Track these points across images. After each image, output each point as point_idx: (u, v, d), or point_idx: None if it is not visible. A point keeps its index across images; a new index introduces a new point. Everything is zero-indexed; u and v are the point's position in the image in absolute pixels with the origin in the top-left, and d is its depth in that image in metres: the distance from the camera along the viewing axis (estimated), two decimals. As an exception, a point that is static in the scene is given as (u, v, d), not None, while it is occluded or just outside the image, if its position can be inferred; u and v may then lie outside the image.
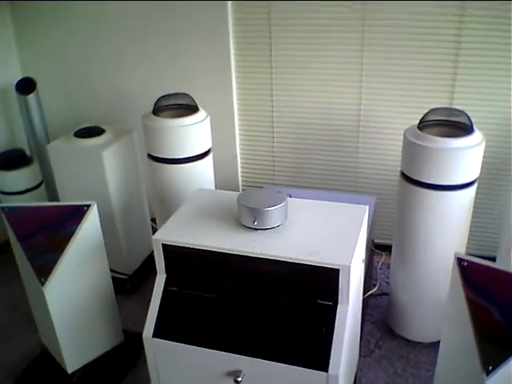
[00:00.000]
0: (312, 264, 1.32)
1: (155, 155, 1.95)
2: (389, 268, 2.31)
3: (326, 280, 1.33)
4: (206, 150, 1.99)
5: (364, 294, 1.86)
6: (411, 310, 1.93)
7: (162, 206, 2.02)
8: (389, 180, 2.34)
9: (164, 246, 1.44)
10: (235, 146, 2.48)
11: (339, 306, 1.34)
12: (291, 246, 1.37)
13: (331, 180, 2.45)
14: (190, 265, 1.46)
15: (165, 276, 1.48)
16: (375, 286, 2.24)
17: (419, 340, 1.98)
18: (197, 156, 1.94)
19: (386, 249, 2.34)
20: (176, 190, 1.95)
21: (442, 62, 2.08)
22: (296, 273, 1.35)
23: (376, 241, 2.37)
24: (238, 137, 2.49)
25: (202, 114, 1.97)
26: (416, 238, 1.80)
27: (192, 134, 1.91)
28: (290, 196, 1.72)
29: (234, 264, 1.41)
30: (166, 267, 1.48)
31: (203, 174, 1.99)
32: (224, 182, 2.48)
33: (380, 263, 2.38)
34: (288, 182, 2.52)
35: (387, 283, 2.27)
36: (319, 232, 1.44)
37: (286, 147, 2.44)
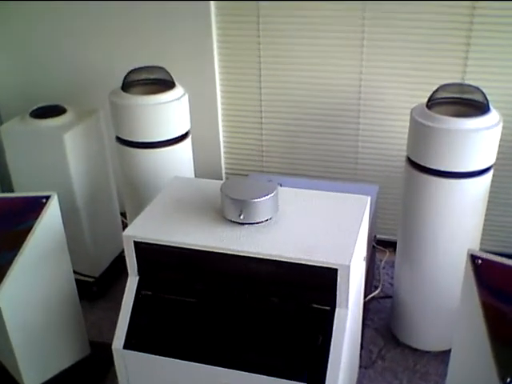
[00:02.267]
0: (306, 263, 1.32)
1: (125, 138, 1.95)
2: (393, 267, 2.31)
3: (322, 281, 1.34)
4: (184, 132, 1.98)
5: (365, 296, 1.86)
6: (418, 315, 1.95)
7: (134, 198, 2.02)
8: (393, 167, 2.35)
9: (136, 243, 1.45)
10: (217, 127, 2.48)
11: (337, 311, 1.35)
12: (282, 242, 1.38)
13: (328, 167, 2.45)
14: (167, 265, 1.47)
15: (137, 278, 1.49)
16: (377, 287, 2.26)
17: (427, 349, 1.99)
18: (173, 139, 1.94)
19: (390, 245, 2.35)
20: (149, 178, 1.95)
21: (454, 30, 2.08)
22: (288, 273, 1.36)
23: (378, 236, 2.38)
24: (220, 117, 2.48)
25: (179, 90, 1.96)
26: (424, 233, 1.81)
27: (168, 113, 1.90)
28: (281, 185, 1.72)
29: (218, 264, 1.41)
30: (138, 268, 1.48)
31: (181, 159, 1.99)
32: (205, 169, 2.48)
33: (383, 262, 2.38)
34: (278, 170, 2.52)
35: (391, 284, 2.29)
36: (314, 226, 1.45)
37: (276, 129, 2.45)
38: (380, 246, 2.35)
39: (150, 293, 1.47)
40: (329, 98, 2.31)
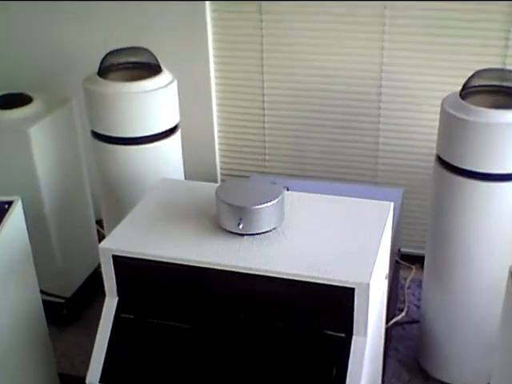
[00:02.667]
0: (318, 282, 1.33)
1: (102, 133, 1.95)
2: (420, 286, 2.30)
3: (336, 303, 1.34)
4: (173, 125, 1.99)
5: (387, 321, 1.87)
6: (450, 344, 1.95)
7: (113, 203, 2.02)
8: (420, 167, 2.35)
9: (115, 257, 1.45)
10: (212, 120, 2.48)
11: (354, 339, 1.35)
12: (289, 257, 1.39)
13: (343, 168, 2.45)
14: (152, 284, 1.47)
15: (116, 299, 1.49)
16: (402, 310, 2.25)
17: None
18: (160, 134, 1.95)
19: (417, 261, 2.35)
20: (131, 180, 1.95)
21: (493, 5, 2.07)
22: (296, 294, 1.36)
23: (403, 250, 2.38)
24: (215, 108, 2.48)
25: (166, 76, 1.97)
26: (457, 246, 1.82)
27: (153, 103, 1.91)
28: (288, 189, 1.72)
29: (212, 282, 1.42)
30: (117, 287, 1.48)
31: (168, 158, 2.00)
32: (197, 169, 2.47)
33: (408, 280, 2.38)
34: (284, 171, 2.52)
35: (418, 307, 2.28)
36: (327, 238, 1.45)
37: (282, 122, 2.44)
38: (405, 262, 2.35)
39: (131, 316, 1.47)
40: (344, 90, 2.32)
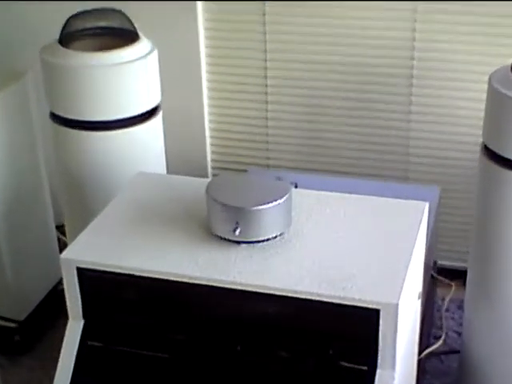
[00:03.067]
0: (333, 301, 1.32)
1: (64, 115, 1.95)
2: (461, 308, 2.29)
3: (356, 328, 1.34)
4: (152, 107, 2.00)
5: (420, 351, 1.86)
6: (500, 380, 1.93)
7: (77, 204, 2.02)
8: (461, 160, 2.36)
9: (80, 271, 1.45)
10: (201, 101, 2.49)
11: (379, 373, 1.34)
12: (298, 270, 1.38)
13: (364, 160, 2.46)
14: (126, 304, 1.46)
15: (82, 323, 1.48)
16: (439, 338, 2.25)
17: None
18: (136, 117, 1.95)
19: (457, 276, 2.36)
20: (101, 174, 1.95)
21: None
22: (306, 316, 1.36)
23: (440, 262, 2.38)
24: (205, 86, 2.49)
25: (144, 45, 1.97)
26: (509, 257, 1.80)
27: (128, 78, 1.91)
28: (296, 186, 1.72)
29: (201, 303, 1.42)
30: (83, 308, 1.48)
31: (147, 147, 2.01)
32: (182, 161, 2.48)
33: (447, 300, 2.38)
34: (291, 164, 2.53)
35: (458, 334, 2.28)
36: (346, 247, 1.45)
37: (289, 105, 2.45)
38: (442, 277, 2.35)
39: (100, 344, 1.47)
40: (366, 65, 2.33)
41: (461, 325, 2.25)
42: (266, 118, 2.50)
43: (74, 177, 1.99)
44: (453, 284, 2.37)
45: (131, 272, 1.41)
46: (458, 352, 2.16)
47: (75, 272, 1.44)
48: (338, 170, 2.48)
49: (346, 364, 1.36)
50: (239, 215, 1.42)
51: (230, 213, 1.42)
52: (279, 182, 1.51)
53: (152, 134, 2.01)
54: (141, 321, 1.46)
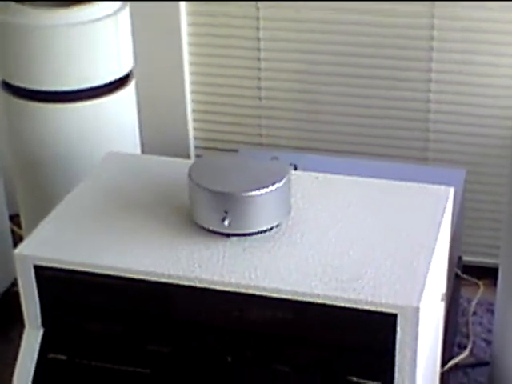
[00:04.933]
0: (341, 304, 1.31)
1: (19, 85, 1.97)
2: (490, 312, 2.30)
3: (368, 336, 1.33)
4: (124, 74, 2.00)
5: (443, 363, 1.85)
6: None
7: (35, 190, 2.03)
8: (490, 137, 2.37)
9: (39, 269, 1.43)
10: (182, 68, 2.50)
11: None
12: (298, 267, 1.38)
13: (374, 138, 2.47)
14: (93, 309, 1.45)
15: (41, 332, 1.48)
16: (465, 347, 2.25)
17: None
18: (105, 87, 1.97)
19: (486, 274, 2.37)
20: (63, 155, 1.96)
21: None
22: (308, 322, 1.35)
23: (466, 259, 2.38)
24: (186, 50, 2.50)
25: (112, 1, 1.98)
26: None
27: (94, 40, 1.92)
28: (296, 167, 1.75)
29: (184, 307, 1.41)
30: (43, 313, 1.47)
31: (118, 122, 2.02)
32: (160, 139, 2.51)
33: (474, 303, 2.39)
34: (288, 143, 2.54)
35: (487, 342, 2.28)
36: (356, 240, 1.44)
37: (286, 72, 2.47)
38: (468, 276, 2.35)
39: (63, 357, 1.46)
40: (376, 34, 2.34)
41: (490, 331, 2.26)
42: (259, 88, 2.51)
43: (31, 158, 2.00)
44: (480, 283, 2.38)
45: (100, 271, 1.40)
46: (487, 364, 2.17)
47: (32, 271, 1.43)
48: (344, 150, 2.49)
49: (356, 379, 1.36)
50: (228, 203, 1.41)
51: (217, 200, 1.41)
52: (275, 163, 1.51)
53: (123, 106, 2.02)
54: (113, 329, 1.46)
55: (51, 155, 1.97)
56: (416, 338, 1.30)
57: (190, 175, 1.46)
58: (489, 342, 2.26)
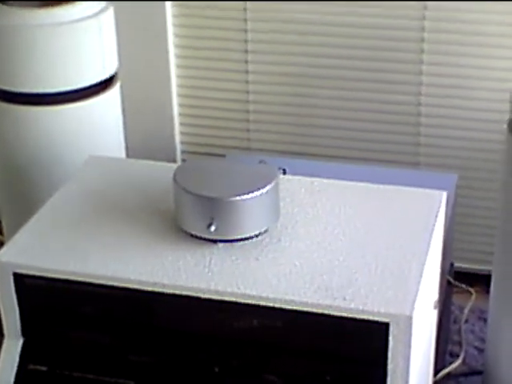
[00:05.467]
0: (331, 313, 1.30)
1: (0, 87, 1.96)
2: (483, 320, 2.31)
3: (360, 346, 1.33)
4: (108, 76, 2.01)
5: (436, 372, 1.85)
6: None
7: (16, 194, 2.03)
8: (482, 141, 2.37)
9: (18, 277, 1.43)
10: (168, 70, 2.51)
11: None
12: (288, 275, 1.37)
13: (365, 142, 2.47)
14: (76, 318, 1.45)
15: (21, 342, 1.47)
16: (457, 356, 2.25)
17: None
18: (88, 89, 1.96)
19: (478, 281, 2.37)
20: (44, 159, 1.95)
21: None
22: (298, 332, 1.35)
23: (458, 265, 2.38)
24: (172, 52, 2.50)
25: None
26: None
27: (77, 41, 1.92)
28: (285, 172, 1.74)
29: (169, 316, 1.41)
30: (22, 323, 1.46)
31: (101, 125, 2.01)
32: (145, 143, 2.50)
33: (466, 310, 2.39)
34: (277, 147, 2.54)
35: (480, 351, 2.28)
36: (347, 246, 1.44)
37: (273, 75, 2.47)
38: (460, 283, 2.35)
39: (44, 368, 1.45)
40: (372, 24, 2.32)
41: (483, 340, 2.26)
42: (247, 93, 2.51)
43: (13, 162, 2.00)
44: (473, 291, 2.38)
45: (82, 279, 1.39)
46: (480, 373, 2.16)
47: (12, 278, 1.42)
48: (334, 155, 2.48)
49: None
50: (214, 208, 1.40)
51: (204, 205, 1.41)
52: (263, 167, 1.51)
53: (108, 109, 2.02)
54: (96, 339, 1.45)
55: (33, 159, 1.97)
56: (409, 347, 1.29)
57: (174, 179, 1.45)
58: (481, 351, 2.27)
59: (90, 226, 1.50)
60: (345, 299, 1.30)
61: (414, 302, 1.29)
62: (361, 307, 1.29)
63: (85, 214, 1.54)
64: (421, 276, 1.35)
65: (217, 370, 1.39)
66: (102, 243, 1.46)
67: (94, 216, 1.53)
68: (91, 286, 1.39)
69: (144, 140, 2.50)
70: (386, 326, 1.28)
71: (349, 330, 1.31)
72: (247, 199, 1.40)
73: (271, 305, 1.32)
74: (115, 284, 1.37)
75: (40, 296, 1.44)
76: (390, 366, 1.31)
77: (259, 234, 1.44)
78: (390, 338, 1.29)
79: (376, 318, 1.28)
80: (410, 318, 1.27)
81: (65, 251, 1.44)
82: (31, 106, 1.93)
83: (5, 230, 2.13)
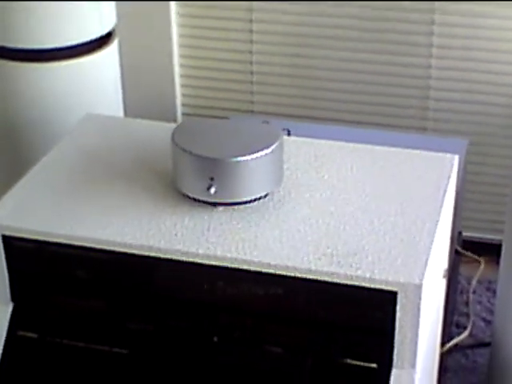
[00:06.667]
0: (336, 281, 1.30)
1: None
2: (491, 290, 2.32)
3: (366, 316, 1.31)
4: (105, 33, 2.01)
5: (442, 344, 1.86)
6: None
7: (6, 153, 2.02)
8: (493, 105, 2.36)
9: (7, 240, 1.42)
10: (169, 29, 2.49)
11: (395, 374, 1.32)
12: (290, 240, 1.36)
13: (371, 106, 2.48)
14: (69, 283, 1.44)
15: (11, 307, 1.47)
16: (464, 328, 2.26)
17: None
18: (84, 45, 1.95)
19: (487, 250, 2.36)
20: (39, 117, 1.96)
21: None
22: (301, 300, 1.34)
23: (466, 234, 2.38)
24: (174, 11, 2.50)
25: None
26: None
27: None
28: (289, 133, 1.74)
29: (167, 282, 1.40)
30: (12, 288, 1.46)
31: (98, 83, 2.01)
32: (146, 106, 2.50)
33: (474, 281, 2.40)
34: (282, 110, 2.54)
35: (488, 322, 2.29)
36: (353, 211, 1.43)
37: (278, 35, 2.46)
38: (469, 252, 2.35)
39: (34, 335, 1.45)
40: None
41: (491, 311, 2.27)
42: (251, 52, 2.50)
43: (4, 120, 1.99)
44: (481, 260, 2.37)
45: (75, 242, 1.38)
46: (487, 345, 2.17)
47: (0, 241, 1.42)
48: (340, 118, 2.49)
49: (352, 362, 1.34)
50: (214, 169, 1.39)
51: (203, 166, 1.40)
52: (266, 127, 1.49)
53: (105, 67, 2.02)
54: (88, 305, 1.44)
55: (26, 118, 1.96)
56: (417, 318, 1.29)
57: (173, 138, 1.44)
58: (488, 322, 2.28)
59: (83, 187, 1.49)
60: (351, 266, 1.29)
61: (423, 270, 1.28)
62: (368, 275, 1.27)
63: (79, 174, 1.53)
64: (431, 243, 1.34)
65: (216, 339, 1.38)
66: (96, 205, 1.45)
67: (89, 176, 1.52)
68: (84, 249, 1.38)
69: (144, 103, 2.50)
70: (394, 295, 1.27)
71: (355, 299, 1.30)
72: (249, 160, 1.39)
73: (273, 271, 1.31)
74: (110, 248, 1.37)
75: (30, 260, 1.43)
76: (397, 337, 1.30)
77: (261, 197, 1.44)
78: (398, 308, 1.28)
79: (384, 287, 1.27)
80: (419, 287, 1.26)
81: (57, 213, 1.43)
82: (25, 63, 1.92)
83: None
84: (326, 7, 2.38)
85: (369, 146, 1.60)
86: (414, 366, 1.31)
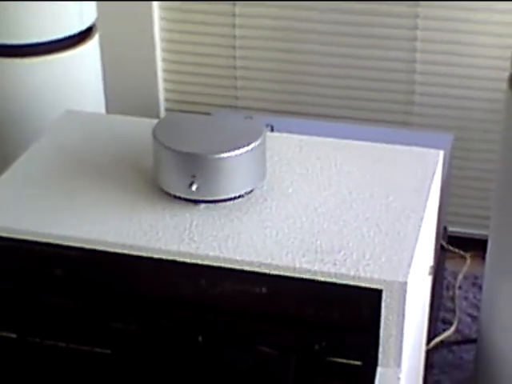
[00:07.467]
0: (320, 279, 1.28)
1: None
2: (477, 286, 2.32)
3: (350, 314, 1.31)
4: (86, 27, 2.00)
5: (428, 340, 1.86)
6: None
7: None
8: (479, 100, 2.37)
9: None
10: (152, 25, 2.49)
11: (380, 372, 1.31)
12: (274, 238, 1.35)
13: (356, 100, 2.48)
14: (48, 282, 1.42)
15: None
16: (450, 324, 2.25)
17: None
18: (64, 40, 1.94)
19: (473, 246, 2.37)
20: (16, 114, 1.95)
21: None
22: (285, 299, 1.33)
23: (452, 229, 2.39)
24: (157, 4, 2.50)
25: None
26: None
27: None
28: (272, 129, 1.73)
29: (149, 281, 1.39)
30: None
31: (79, 79, 2.01)
32: (128, 101, 2.49)
33: (460, 276, 2.40)
34: (265, 105, 2.54)
35: (474, 318, 2.29)
36: (338, 208, 1.42)
37: (262, 29, 2.46)
38: (454, 247, 2.35)
39: (13, 335, 1.44)
40: None
41: (477, 307, 2.27)
42: (234, 47, 2.50)
43: None
44: (467, 256, 2.38)
45: (55, 241, 1.37)
46: (473, 341, 2.16)
47: None
48: (324, 113, 2.49)
49: (337, 360, 1.33)
50: (196, 165, 1.39)
51: (184, 162, 1.39)
52: (249, 123, 1.53)
53: (85, 63, 2.02)
54: (69, 305, 1.42)
55: (6, 114, 1.95)
56: (403, 316, 1.28)
57: (154, 134, 1.43)
58: (474, 318, 2.28)
59: (63, 184, 1.48)
60: (335, 264, 1.28)
61: (408, 267, 1.28)
62: (352, 273, 1.27)
63: (57, 171, 1.52)
64: (416, 240, 1.34)
65: (200, 339, 1.38)
66: (76, 203, 1.44)
67: (68, 174, 1.51)
68: (63, 248, 1.37)
69: (126, 98, 2.50)
70: (379, 293, 1.26)
71: (339, 297, 1.29)
72: (231, 156, 1.38)
73: (256, 270, 1.30)
74: (89, 247, 1.35)
75: (9, 258, 1.41)
76: (382, 336, 1.29)
77: (244, 194, 1.43)
78: (383, 306, 1.27)
79: (368, 285, 1.26)
80: (404, 285, 1.25)
81: (35, 211, 1.42)
82: (4, 58, 1.91)
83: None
84: (310, 2, 2.37)
85: (353, 142, 1.60)
86: (399, 363, 1.30)
